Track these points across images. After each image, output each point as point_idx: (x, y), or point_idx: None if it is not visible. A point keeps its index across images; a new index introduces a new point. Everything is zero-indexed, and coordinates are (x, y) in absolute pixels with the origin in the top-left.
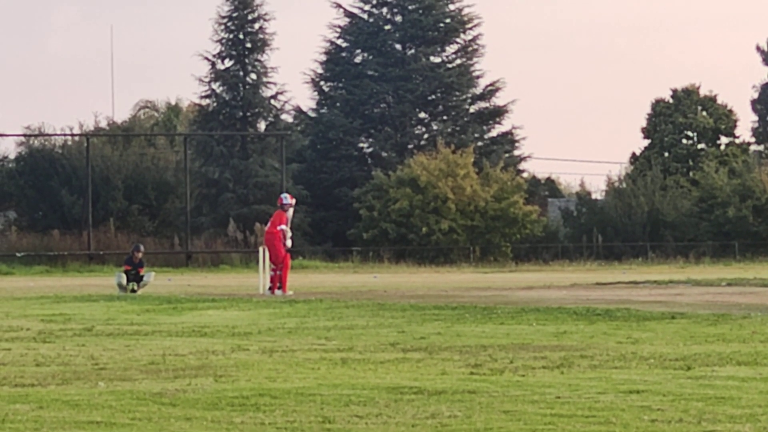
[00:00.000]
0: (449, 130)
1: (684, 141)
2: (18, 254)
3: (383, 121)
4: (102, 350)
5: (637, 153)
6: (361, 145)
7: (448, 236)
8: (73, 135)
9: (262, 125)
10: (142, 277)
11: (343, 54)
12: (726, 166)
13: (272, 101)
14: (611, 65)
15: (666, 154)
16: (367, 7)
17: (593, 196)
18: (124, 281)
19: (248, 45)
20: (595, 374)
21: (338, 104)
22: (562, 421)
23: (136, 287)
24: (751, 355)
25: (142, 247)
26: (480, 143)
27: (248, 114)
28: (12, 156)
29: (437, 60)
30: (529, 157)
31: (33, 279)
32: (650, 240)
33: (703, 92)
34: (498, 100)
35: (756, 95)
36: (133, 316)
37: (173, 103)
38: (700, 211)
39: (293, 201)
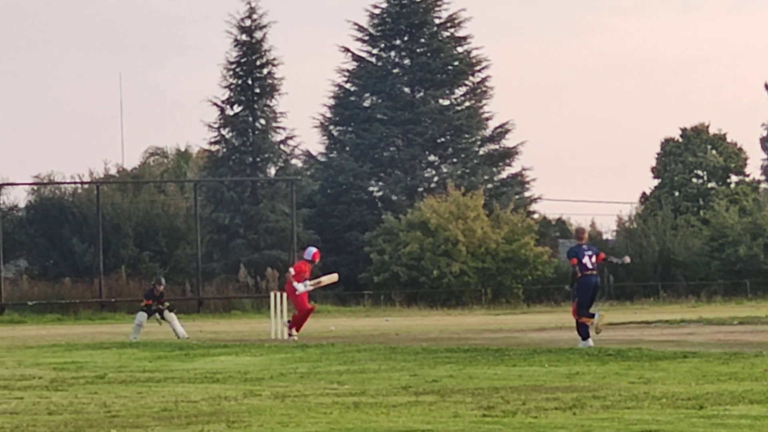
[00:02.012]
0: (459, 172)
1: (694, 180)
2: (30, 303)
3: (393, 165)
4: (114, 398)
5: (648, 193)
6: (371, 188)
7: (459, 279)
8: (83, 183)
9: (272, 170)
10: (164, 310)
11: (352, 98)
12: (736, 204)
13: (282, 146)
14: (620, 105)
15: (676, 194)
16: (375, 51)
17: (604, 237)
18: (144, 320)
19: (257, 90)
20: (608, 415)
21: (347, 148)
22: None
23: (160, 319)
24: (763, 394)
25: (163, 280)
26: (490, 185)
27: (258, 159)
28: (22, 204)
29: (446, 102)
30: (539, 198)
31: (45, 327)
32: (661, 279)
33: (712, 131)
34: (507, 141)
35: (765, 133)
36: (146, 363)
37: (183, 149)
38: (711, 250)
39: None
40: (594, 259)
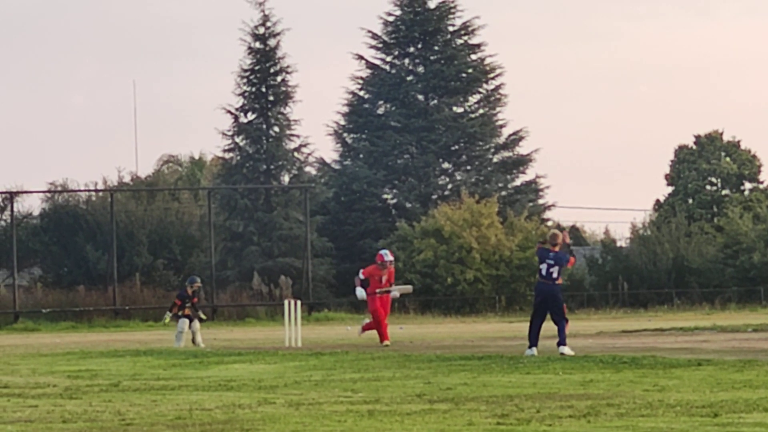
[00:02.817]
0: (473, 179)
1: (708, 187)
2: (44, 311)
3: (407, 172)
4: (129, 406)
5: (662, 200)
6: (385, 196)
7: (473, 286)
8: (97, 190)
9: (285, 178)
10: (195, 319)
11: (366, 105)
12: (750, 211)
13: (295, 153)
14: (634, 112)
15: (690, 201)
16: (389, 59)
17: (618, 244)
18: (186, 326)
19: (271, 98)
20: (622, 423)
21: (361, 156)
22: None
23: (202, 316)
24: None
25: (198, 279)
26: (504, 193)
27: (272, 167)
28: (36, 212)
29: (460, 110)
30: (553, 205)
31: (59, 335)
32: (675, 287)
33: (726, 138)
34: (521, 149)
35: None
36: (160, 370)
37: (197, 157)
38: (725, 257)
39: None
40: (555, 269)
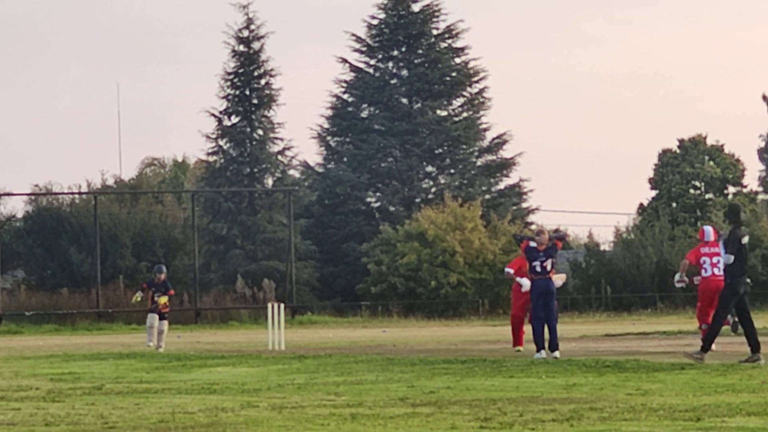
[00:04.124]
0: (456, 183)
1: (691, 191)
2: (27, 313)
3: (390, 176)
4: (111, 409)
5: (645, 204)
6: (368, 199)
7: (456, 290)
8: (80, 193)
9: (269, 181)
10: (164, 315)
11: (350, 109)
12: None
13: (279, 157)
14: (618, 116)
15: (674, 205)
16: (372, 62)
17: (601, 248)
18: (155, 321)
19: (255, 101)
20: (605, 426)
21: (345, 159)
22: None
23: (160, 337)
24: (761, 405)
25: (164, 268)
26: (487, 196)
27: (255, 170)
28: (20, 215)
29: (444, 113)
30: (536, 209)
31: (42, 338)
32: (659, 290)
33: (709, 142)
34: (505, 152)
35: (763, 144)
36: (143, 374)
37: (180, 160)
38: None
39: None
40: (548, 263)
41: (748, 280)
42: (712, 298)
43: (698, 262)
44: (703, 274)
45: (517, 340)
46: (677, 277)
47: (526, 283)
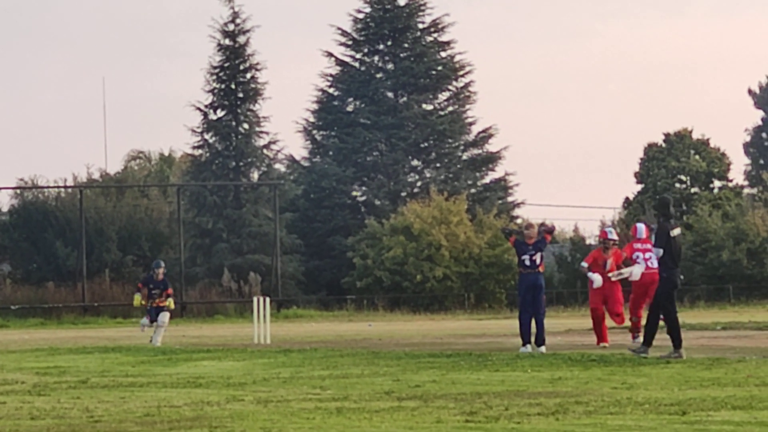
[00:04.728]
0: (442, 177)
1: (677, 185)
2: (13, 307)
3: (376, 169)
4: (97, 402)
5: (631, 198)
6: (354, 193)
7: (442, 283)
8: (66, 187)
9: (255, 175)
10: (162, 310)
11: (335, 102)
12: (719, 209)
13: (265, 151)
14: (603, 110)
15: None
16: (358, 56)
17: (587, 242)
18: (147, 323)
19: (240, 95)
20: (591, 420)
21: (331, 153)
22: None
23: (171, 305)
24: (746, 400)
25: (163, 263)
26: (473, 190)
27: (241, 164)
28: (5, 209)
29: (429, 107)
30: (522, 203)
31: (28, 332)
32: None
33: (695, 136)
34: (491, 146)
35: (748, 138)
36: (128, 367)
37: (166, 153)
38: (694, 255)
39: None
40: (537, 256)
41: (681, 277)
42: (645, 291)
43: (631, 257)
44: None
45: (601, 336)
46: (615, 273)
47: (597, 279)
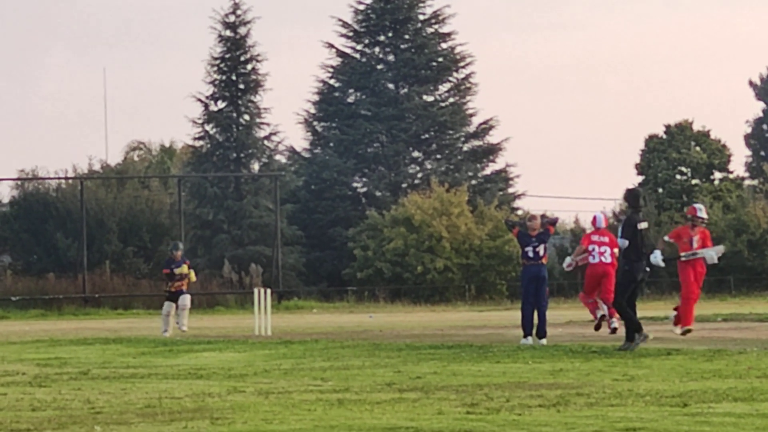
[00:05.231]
0: (443, 168)
1: (678, 177)
2: (13, 298)
3: (377, 161)
4: (98, 394)
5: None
6: (355, 184)
7: (443, 275)
8: (67, 178)
9: (255, 166)
10: (182, 293)
11: (336, 94)
12: (720, 201)
13: (266, 142)
14: (604, 102)
15: (660, 190)
16: (359, 47)
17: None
18: (172, 310)
19: (241, 86)
20: (592, 412)
21: (332, 144)
22: None
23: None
24: (747, 391)
25: (180, 245)
26: (474, 181)
27: (242, 155)
28: (6, 200)
29: (430, 99)
30: (523, 194)
31: (28, 323)
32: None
33: (696, 127)
34: (491, 138)
35: (749, 130)
36: (129, 359)
37: (167, 145)
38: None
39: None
40: (541, 248)
41: (648, 269)
42: (597, 282)
43: (587, 248)
44: (591, 260)
45: (687, 318)
46: (568, 260)
47: (656, 257)
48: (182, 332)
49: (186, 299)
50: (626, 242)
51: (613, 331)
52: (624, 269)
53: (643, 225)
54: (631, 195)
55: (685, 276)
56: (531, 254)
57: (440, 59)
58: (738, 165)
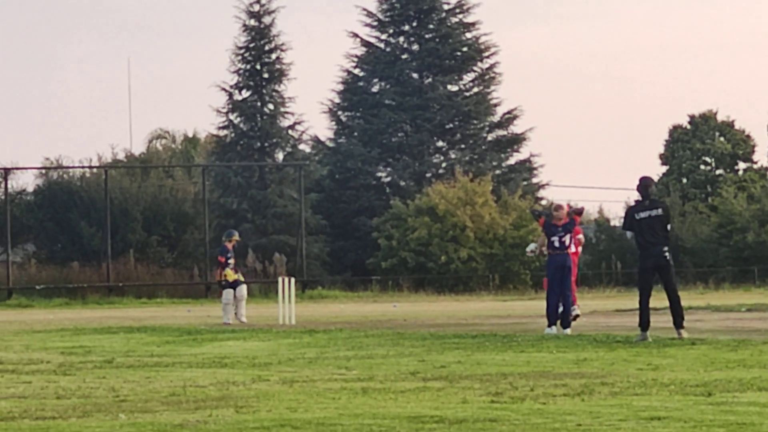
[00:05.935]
0: (467, 158)
1: (702, 167)
2: (37, 287)
3: (401, 150)
4: (123, 382)
5: (656, 179)
6: (379, 174)
7: (467, 265)
8: (91, 167)
9: (279, 155)
10: (239, 284)
11: (361, 83)
12: (744, 191)
13: (290, 131)
14: (628, 92)
15: (684, 180)
16: (383, 37)
17: (612, 223)
18: (231, 297)
19: (265, 75)
20: (616, 401)
21: (356, 134)
22: None
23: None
24: None
25: (235, 232)
26: (498, 171)
27: (266, 144)
28: (30, 189)
29: (455, 88)
30: (547, 184)
31: (52, 311)
32: None
33: (720, 118)
34: (516, 127)
35: None
36: (153, 347)
37: (191, 134)
38: (719, 237)
39: None
40: (567, 237)
41: (666, 255)
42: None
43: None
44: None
45: None
46: (531, 246)
47: (531, 246)
48: (241, 323)
49: (243, 289)
50: (628, 233)
51: (575, 317)
52: (639, 257)
53: (642, 215)
54: (639, 185)
55: None
56: (557, 244)
57: (464, 49)
58: (762, 155)
